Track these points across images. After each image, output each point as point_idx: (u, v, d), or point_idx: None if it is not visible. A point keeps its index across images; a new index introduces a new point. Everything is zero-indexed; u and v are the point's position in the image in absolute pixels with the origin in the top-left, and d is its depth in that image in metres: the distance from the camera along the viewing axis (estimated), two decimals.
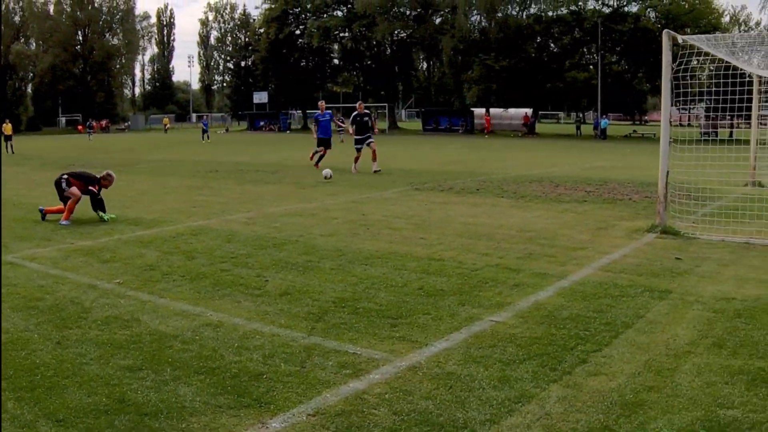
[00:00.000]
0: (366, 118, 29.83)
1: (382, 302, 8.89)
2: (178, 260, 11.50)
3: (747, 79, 18.82)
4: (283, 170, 29.86)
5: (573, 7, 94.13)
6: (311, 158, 31.77)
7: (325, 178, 24.42)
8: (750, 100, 21.61)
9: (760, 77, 21.51)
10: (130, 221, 15.66)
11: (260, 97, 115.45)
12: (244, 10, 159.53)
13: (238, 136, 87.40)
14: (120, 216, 16.22)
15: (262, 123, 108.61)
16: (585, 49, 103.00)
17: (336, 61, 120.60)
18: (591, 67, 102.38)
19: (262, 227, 14.84)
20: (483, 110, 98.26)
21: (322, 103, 32.54)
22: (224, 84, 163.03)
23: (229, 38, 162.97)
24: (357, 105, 31.36)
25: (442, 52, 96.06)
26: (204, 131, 70.15)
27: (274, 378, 6.38)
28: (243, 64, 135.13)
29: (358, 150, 29.30)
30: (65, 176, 15.80)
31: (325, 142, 31.24)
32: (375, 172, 27.86)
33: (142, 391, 6.10)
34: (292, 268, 10.94)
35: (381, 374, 6.50)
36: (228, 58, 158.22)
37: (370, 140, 29.17)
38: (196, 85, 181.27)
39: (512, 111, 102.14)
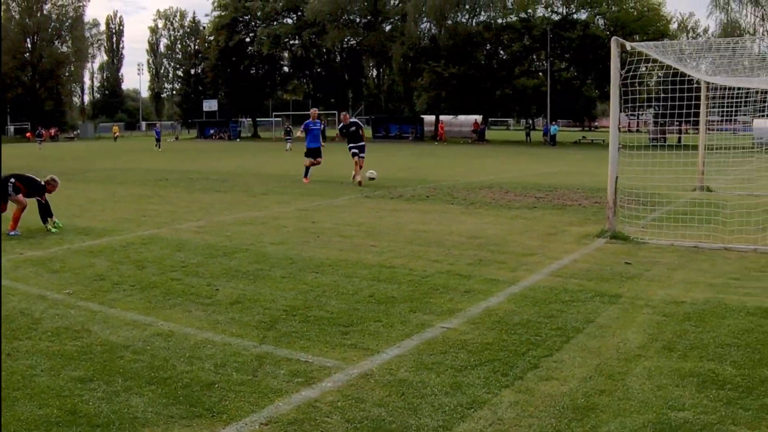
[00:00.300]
0: (353, 128, 28.71)
1: (333, 310, 8.90)
2: (128, 270, 11.42)
3: (695, 85, 19.02)
4: (233, 178, 29.76)
5: (522, 15, 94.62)
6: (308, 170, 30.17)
7: (370, 179, 24.08)
8: (698, 106, 21.84)
9: (708, 83, 21.72)
10: (79, 231, 15.51)
11: (210, 105, 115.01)
12: (194, 18, 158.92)
13: (188, 144, 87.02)
14: (69, 225, 16.07)
15: (212, 131, 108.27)
16: (534, 56, 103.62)
17: (286, 69, 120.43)
18: (540, 74, 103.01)
19: (212, 236, 14.78)
20: (433, 117, 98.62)
21: (314, 111, 31.22)
22: (174, 92, 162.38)
23: (179, 46, 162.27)
24: (342, 116, 30.40)
25: (391, 60, 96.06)
26: (157, 139, 69.76)
27: (226, 387, 6.37)
28: (193, 71, 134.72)
29: (357, 156, 28.20)
30: (12, 180, 15.46)
31: (315, 152, 29.72)
32: (358, 184, 26.89)
33: (93, 403, 6.05)
34: (243, 276, 10.91)
35: (333, 382, 6.50)
36: (178, 65, 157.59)
37: (361, 154, 28.15)
38: (145, 93, 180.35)
39: (462, 118, 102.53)
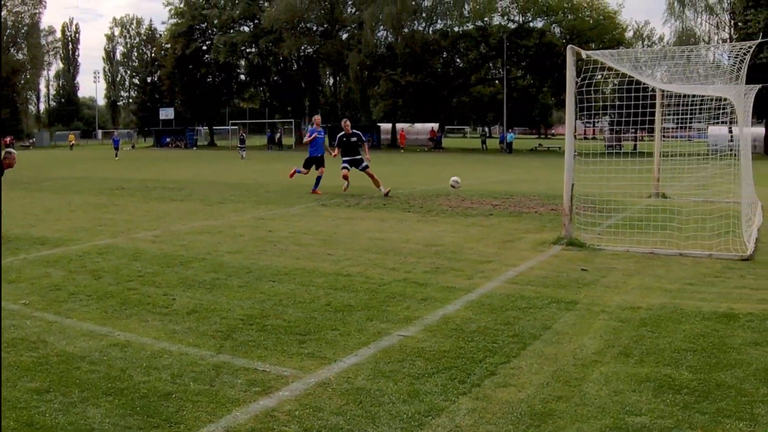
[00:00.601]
0: (354, 139, 26.93)
1: (290, 319, 8.88)
2: (84, 280, 11.33)
3: (650, 92, 19.14)
4: (189, 187, 29.63)
5: (479, 23, 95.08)
6: (293, 174, 28.93)
7: (453, 187, 23.44)
8: (653, 113, 22.00)
9: (663, 91, 21.88)
10: (35, 240, 15.35)
11: (166, 113, 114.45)
12: (151, 26, 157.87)
13: (145, 153, 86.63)
14: (25, 235, 15.93)
15: (168, 139, 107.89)
16: (491, 64, 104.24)
17: (243, 77, 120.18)
18: (497, 81, 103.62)
19: (168, 245, 14.72)
20: (389, 125, 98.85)
21: (317, 118, 29.74)
22: (130, 100, 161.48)
23: (135, 54, 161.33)
24: (342, 123, 27.93)
25: (348, 68, 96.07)
26: (115, 148, 69.24)
27: (184, 397, 6.34)
28: (149, 79, 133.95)
29: (346, 169, 26.64)
30: None
31: (318, 161, 27.88)
32: (386, 195, 25.38)
33: (50, 414, 6.00)
34: (200, 286, 10.86)
35: (290, 391, 6.49)
36: (134, 73, 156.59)
37: (364, 165, 26.62)
38: (101, 101, 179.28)
39: (419, 126, 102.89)
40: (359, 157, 26.98)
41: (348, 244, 14.85)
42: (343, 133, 27.46)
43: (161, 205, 22.58)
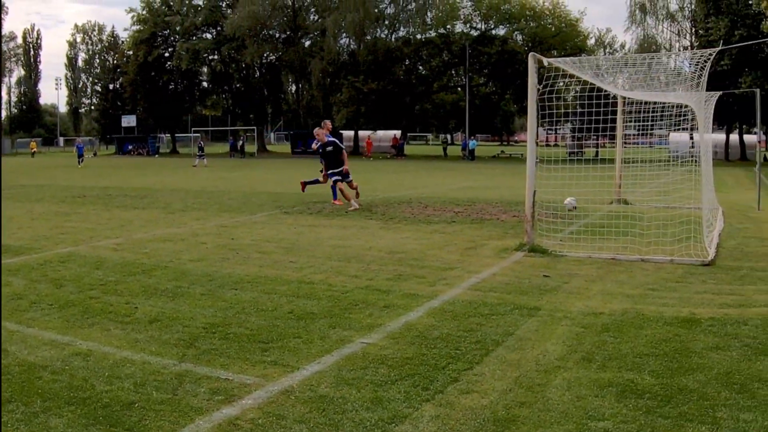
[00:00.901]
0: (329, 148, 24.59)
1: (252, 327, 8.85)
2: (46, 288, 11.25)
3: (612, 100, 19.24)
4: (151, 195, 29.52)
5: (441, 30, 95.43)
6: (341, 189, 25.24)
7: (569, 209, 22.16)
8: (615, 120, 22.11)
9: (625, 98, 22.01)
10: None
11: (129, 121, 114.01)
12: (113, 32, 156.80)
13: (107, 160, 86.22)
14: None
15: (130, 147, 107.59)
16: (453, 72, 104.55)
17: (205, 84, 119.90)
18: (459, 89, 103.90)
19: (131, 253, 14.65)
20: (352, 132, 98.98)
21: (327, 123, 28.38)
22: (92, 107, 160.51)
23: (98, 60, 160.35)
24: (317, 131, 26.01)
25: (311, 75, 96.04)
26: (79, 155, 68.72)
27: (146, 406, 6.31)
28: (111, 86, 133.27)
29: (335, 181, 24.44)
30: None
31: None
32: (346, 208, 23.46)
33: (12, 424, 5.94)
34: (162, 294, 10.81)
35: (253, 399, 6.47)
36: (96, 80, 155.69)
37: (334, 178, 24.50)
38: (63, 108, 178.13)
39: (381, 133, 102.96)
40: (342, 169, 24.49)
41: (310, 251, 14.84)
42: (317, 141, 25.54)
43: (123, 213, 22.47)
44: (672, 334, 8.47)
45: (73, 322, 9.21)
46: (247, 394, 6.62)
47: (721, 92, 23.55)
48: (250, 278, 12.00)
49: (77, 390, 6.73)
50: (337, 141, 25.35)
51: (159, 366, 7.40)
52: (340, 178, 24.19)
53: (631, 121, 24.14)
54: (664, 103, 20.45)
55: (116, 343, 8.26)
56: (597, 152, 46.44)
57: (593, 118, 17.34)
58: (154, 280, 11.88)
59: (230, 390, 6.71)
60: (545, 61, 15.52)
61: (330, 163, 24.65)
